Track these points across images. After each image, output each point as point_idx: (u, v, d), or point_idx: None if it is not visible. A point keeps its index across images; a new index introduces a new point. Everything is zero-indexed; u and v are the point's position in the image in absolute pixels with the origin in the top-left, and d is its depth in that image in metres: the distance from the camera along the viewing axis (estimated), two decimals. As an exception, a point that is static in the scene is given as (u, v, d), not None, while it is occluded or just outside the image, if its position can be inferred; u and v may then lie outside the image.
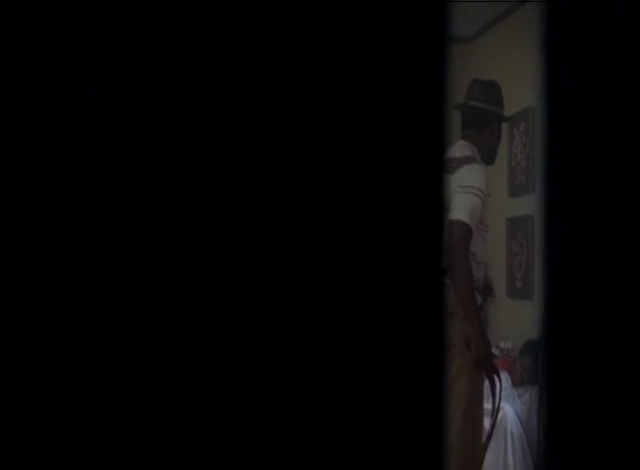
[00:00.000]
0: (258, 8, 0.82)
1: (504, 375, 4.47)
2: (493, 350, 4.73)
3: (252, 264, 0.83)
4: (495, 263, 5.67)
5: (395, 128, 0.83)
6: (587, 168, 0.86)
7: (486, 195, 3.15)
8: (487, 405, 3.24)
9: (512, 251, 5.34)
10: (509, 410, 4.27)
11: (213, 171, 0.83)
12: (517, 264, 5.27)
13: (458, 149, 3.30)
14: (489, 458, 3.67)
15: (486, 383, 3.11)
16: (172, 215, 0.83)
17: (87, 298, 0.83)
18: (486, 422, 3.20)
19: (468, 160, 3.24)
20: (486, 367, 3.07)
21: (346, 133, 0.84)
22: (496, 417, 3.18)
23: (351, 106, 0.83)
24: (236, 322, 0.84)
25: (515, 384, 4.46)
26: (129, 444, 0.83)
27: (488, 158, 3.40)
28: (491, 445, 3.23)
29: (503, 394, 4.37)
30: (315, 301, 0.84)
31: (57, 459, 0.83)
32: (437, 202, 0.85)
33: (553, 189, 0.87)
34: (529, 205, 4.89)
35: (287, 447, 0.85)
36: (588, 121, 0.86)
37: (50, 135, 0.82)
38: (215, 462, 0.84)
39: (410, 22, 0.83)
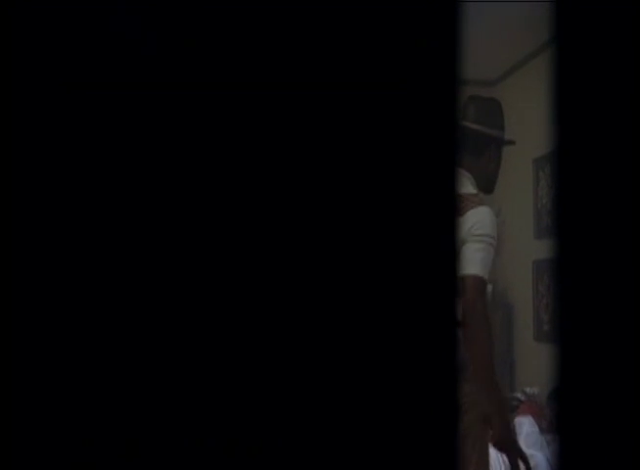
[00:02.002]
0: (269, 10, 0.83)
1: (529, 420, 4.41)
2: (519, 395, 4.68)
3: (245, 271, 0.83)
4: (522, 306, 5.63)
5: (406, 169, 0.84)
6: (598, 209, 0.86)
7: (495, 239, 2.87)
8: None
9: (539, 293, 5.30)
10: (540, 458, 4.21)
11: (223, 172, 0.83)
12: (543, 307, 5.23)
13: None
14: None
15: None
16: (179, 216, 0.83)
17: (88, 298, 0.83)
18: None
19: (474, 200, 2.88)
20: (510, 450, 2.64)
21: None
22: None
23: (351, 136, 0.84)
24: (237, 326, 0.84)
25: (543, 431, 4.40)
26: (129, 444, 0.83)
27: (487, 187, 3.03)
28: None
29: (531, 440, 4.31)
30: (317, 350, 0.84)
31: (57, 459, 0.83)
32: (451, 243, 0.84)
33: (566, 233, 0.86)
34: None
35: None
36: (597, 167, 0.86)
37: (51, 136, 0.83)
38: (219, 463, 0.84)
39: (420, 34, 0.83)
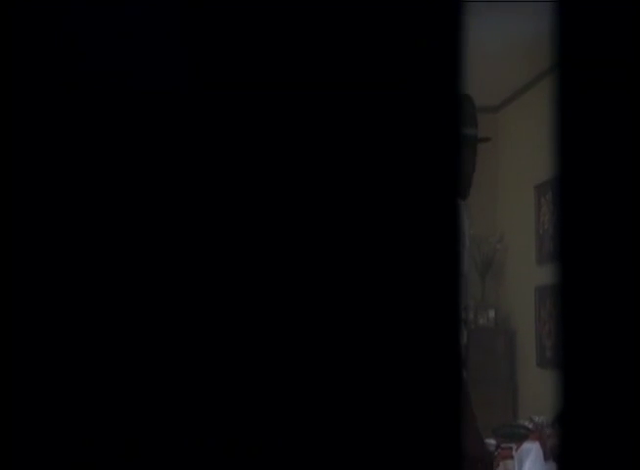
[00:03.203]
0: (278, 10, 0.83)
1: (536, 446, 4.38)
2: (527, 423, 4.65)
3: (248, 271, 0.84)
4: (524, 332, 5.62)
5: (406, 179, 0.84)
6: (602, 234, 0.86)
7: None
8: None
9: (541, 319, 5.29)
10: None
11: (224, 172, 0.84)
12: (546, 333, 5.22)
13: None
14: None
15: None
16: (180, 216, 0.84)
17: (88, 298, 0.83)
18: None
19: None
20: None
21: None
22: None
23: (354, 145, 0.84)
24: (238, 326, 0.84)
25: (548, 458, 4.37)
26: (129, 444, 0.83)
27: (462, 191, 2.83)
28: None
29: (536, 467, 4.28)
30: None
31: (57, 459, 0.83)
32: (452, 241, 0.84)
33: (570, 259, 0.87)
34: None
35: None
36: (601, 193, 0.86)
37: (50, 136, 0.83)
38: (219, 463, 0.83)
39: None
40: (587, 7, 0.85)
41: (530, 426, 4.58)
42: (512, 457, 4.40)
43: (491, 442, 4.35)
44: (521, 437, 4.48)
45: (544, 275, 5.15)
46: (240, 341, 0.83)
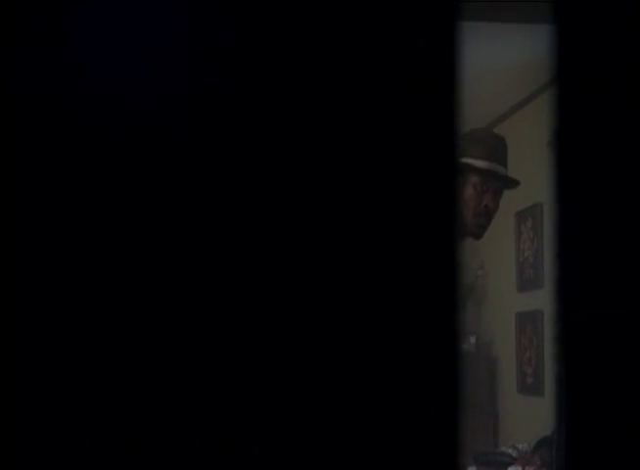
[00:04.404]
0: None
1: None
2: (510, 450, 4.64)
3: (250, 272, 0.83)
4: (505, 358, 5.62)
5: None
6: (598, 259, 0.86)
7: None
8: None
9: (522, 345, 5.29)
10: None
11: (225, 173, 0.83)
12: (526, 360, 5.22)
13: None
14: None
15: None
16: (184, 217, 0.83)
17: (88, 298, 0.83)
18: None
19: None
20: None
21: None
22: None
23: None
24: (239, 327, 0.83)
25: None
26: (129, 444, 0.82)
27: (478, 232, 2.57)
28: None
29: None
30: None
31: (57, 459, 0.82)
32: (451, 243, 0.84)
33: (564, 284, 0.87)
34: (538, 299, 4.87)
35: None
36: (597, 218, 0.87)
37: (50, 135, 0.83)
38: (219, 463, 0.82)
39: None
40: (584, 25, 0.85)
41: (514, 454, 4.56)
42: (494, 485, 4.38)
43: None
44: (503, 464, 4.47)
45: (524, 302, 5.16)
46: (239, 340, 0.82)
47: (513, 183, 2.75)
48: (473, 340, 5.88)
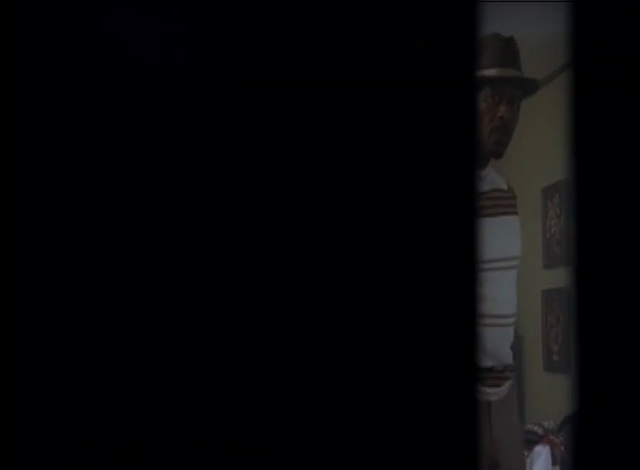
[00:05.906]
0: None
1: (546, 451, 4.38)
2: (536, 428, 4.64)
3: (254, 272, 0.83)
4: (531, 336, 5.60)
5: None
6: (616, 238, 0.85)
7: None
8: None
9: (548, 323, 5.27)
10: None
11: (227, 173, 0.83)
12: (553, 337, 5.20)
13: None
14: None
15: None
16: (184, 216, 0.83)
17: (88, 298, 0.83)
18: None
19: (504, 204, 2.36)
20: None
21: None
22: None
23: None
24: (243, 327, 0.83)
25: (556, 462, 4.37)
26: (129, 444, 0.82)
27: (497, 150, 2.31)
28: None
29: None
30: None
31: (57, 459, 0.82)
32: (470, 243, 0.83)
33: (583, 262, 0.86)
34: (565, 276, 4.84)
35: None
36: (615, 194, 0.85)
37: (50, 136, 0.83)
38: (219, 463, 0.83)
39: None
40: (601, 5, 0.84)
41: (540, 431, 4.57)
42: (520, 463, 4.39)
43: None
44: (529, 442, 4.48)
45: (551, 279, 5.13)
46: (246, 342, 0.82)
47: (530, 85, 2.38)
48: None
